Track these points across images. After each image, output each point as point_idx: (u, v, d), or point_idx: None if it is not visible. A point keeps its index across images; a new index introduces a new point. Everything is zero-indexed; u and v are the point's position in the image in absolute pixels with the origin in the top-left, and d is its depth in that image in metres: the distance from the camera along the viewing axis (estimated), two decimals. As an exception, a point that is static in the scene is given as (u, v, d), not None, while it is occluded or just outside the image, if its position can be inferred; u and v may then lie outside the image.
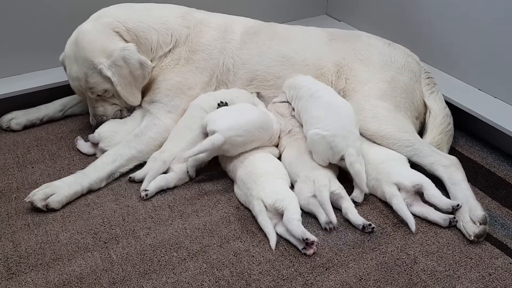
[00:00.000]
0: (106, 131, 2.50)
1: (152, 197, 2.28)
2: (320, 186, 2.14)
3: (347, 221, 2.16)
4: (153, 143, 2.45)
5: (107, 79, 2.44)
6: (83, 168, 2.38)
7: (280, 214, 2.07)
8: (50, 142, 2.66)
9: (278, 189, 2.12)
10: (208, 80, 2.60)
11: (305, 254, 2.01)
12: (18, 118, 2.74)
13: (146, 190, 2.27)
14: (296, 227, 2.01)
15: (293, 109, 2.51)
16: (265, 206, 2.08)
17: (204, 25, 2.65)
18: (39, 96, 2.84)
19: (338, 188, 2.18)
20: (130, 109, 2.62)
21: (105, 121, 2.55)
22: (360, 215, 2.19)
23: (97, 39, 2.43)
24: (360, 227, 2.09)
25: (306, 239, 1.98)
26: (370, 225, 2.08)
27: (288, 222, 2.02)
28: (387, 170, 2.24)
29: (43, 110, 2.79)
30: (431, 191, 2.16)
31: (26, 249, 2.03)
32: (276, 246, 2.02)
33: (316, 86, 2.44)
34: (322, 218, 2.11)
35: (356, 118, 2.33)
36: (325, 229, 2.10)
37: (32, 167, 2.48)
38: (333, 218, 2.08)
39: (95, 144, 2.53)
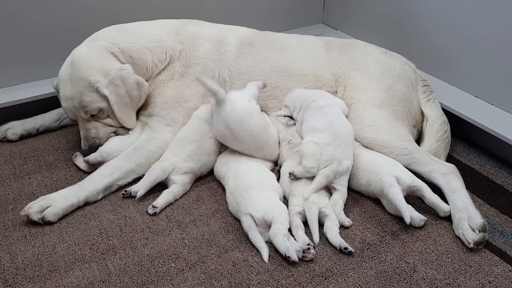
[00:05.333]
0: (113, 150, 2.44)
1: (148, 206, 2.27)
2: (309, 203, 2.14)
3: (345, 231, 2.15)
4: (152, 156, 2.43)
5: (103, 97, 2.41)
6: (80, 179, 2.37)
7: (270, 227, 2.05)
8: (47, 153, 2.65)
9: (267, 201, 2.10)
10: (205, 92, 2.59)
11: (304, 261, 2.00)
12: (14, 128, 2.73)
13: (154, 207, 2.24)
14: (281, 242, 1.99)
15: (293, 121, 2.53)
16: (255, 221, 2.07)
17: (197, 38, 2.64)
18: (36, 106, 2.83)
19: (325, 206, 2.17)
20: (125, 129, 2.55)
21: (98, 144, 2.48)
22: (358, 223, 2.20)
23: (94, 60, 2.41)
24: (337, 247, 2.06)
25: (288, 257, 1.96)
26: (346, 248, 2.04)
27: (274, 236, 2.00)
28: (390, 164, 2.28)
29: (40, 120, 2.78)
30: (432, 194, 2.20)
31: (23, 260, 2.02)
32: (275, 256, 2.01)
33: (326, 101, 2.45)
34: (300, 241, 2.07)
35: (353, 143, 2.34)
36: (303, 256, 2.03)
37: (29, 178, 2.47)
38: (316, 237, 2.09)
39: (93, 163, 2.45)
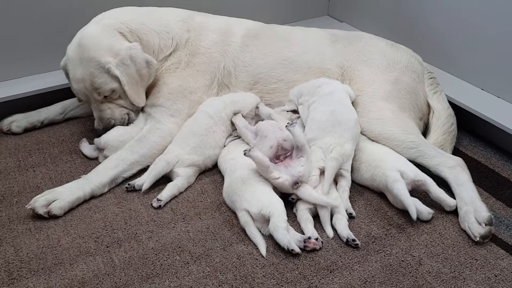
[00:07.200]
0: (112, 139, 2.46)
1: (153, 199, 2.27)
2: None
3: (350, 224, 2.14)
4: (156, 147, 2.43)
5: (114, 78, 2.41)
6: (85, 172, 2.38)
7: (268, 221, 2.04)
8: (51, 146, 2.64)
9: (262, 195, 2.09)
10: (210, 84, 2.59)
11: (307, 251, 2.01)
12: (18, 121, 2.72)
13: (159, 200, 2.24)
14: (282, 236, 1.99)
15: (296, 115, 2.51)
16: (251, 216, 2.06)
17: (204, 28, 2.64)
18: (40, 99, 2.83)
19: (335, 198, 2.17)
20: (137, 112, 2.58)
21: (112, 125, 2.52)
22: (363, 216, 2.19)
23: (102, 40, 2.41)
24: (344, 239, 2.06)
25: (292, 250, 1.96)
26: (354, 240, 2.04)
27: (274, 230, 2.00)
28: (394, 158, 2.27)
29: (44, 113, 2.78)
30: (437, 189, 2.18)
31: (27, 253, 2.02)
32: (279, 249, 2.01)
33: (331, 87, 2.44)
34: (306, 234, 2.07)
35: (357, 131, 2.33)
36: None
37: (34, 171, 2.47)
38: (330, 231, 2.09)
39: (99, 148, 2.51)
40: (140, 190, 2.31)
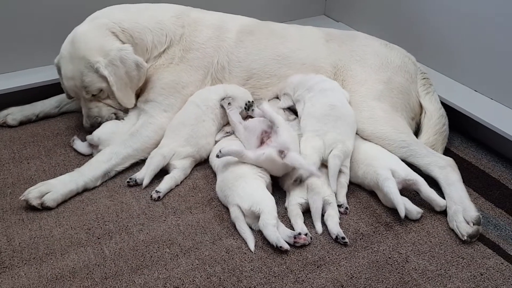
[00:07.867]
0: (105, 133, 2.48)
1: (146, 193, 2.29)
2: (314, 194, 2.15)
3: (339, 220, 2.15)
4: (149, 142, 2.45)
5: (103, 78, 2.43)
6: (78, 165, 2.40)
7: (258, 217, 2.05)
8: (46, 138, 2.66)
9: (253, 191, 2.11)
10: (203, 78, 2.61)
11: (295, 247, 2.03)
12: (14, 113, 2.75)
13: (158, 192, 2.26)
14: (271, 233, 2.00)
15: (293, 116, 2.54)
16: (242, 211, 2.08)
17: (198, 24, 2.65)
18: (36, 93, 2.85)
19: (329, 195, 2.18)
20: (126, 111, 2.59)
21: (99, 122, 2.53)
22: (352, 214, 2.22)
23: (94, 39, 2.43)
24: (334, 236, 2.07)
25: (280, 247, 1.98)
26: (343, 238, 2.05)
27: (264, 227, 2.02)
28: (385, 157, 2.30)
29: (39, 106, 2.80)
30: (428, 189, 2.20)
31: (19, 243, 2.04)
32: (268, 244, 2.03)
33: (331, 85, 2.48)
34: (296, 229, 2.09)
35: (355, 128, 2.37)
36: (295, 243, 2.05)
37: (28, 163, 2.49)
38: (319, 228, 2.11)
39: (92, 144, 2.52)
40: (141, 184, 2.32)
